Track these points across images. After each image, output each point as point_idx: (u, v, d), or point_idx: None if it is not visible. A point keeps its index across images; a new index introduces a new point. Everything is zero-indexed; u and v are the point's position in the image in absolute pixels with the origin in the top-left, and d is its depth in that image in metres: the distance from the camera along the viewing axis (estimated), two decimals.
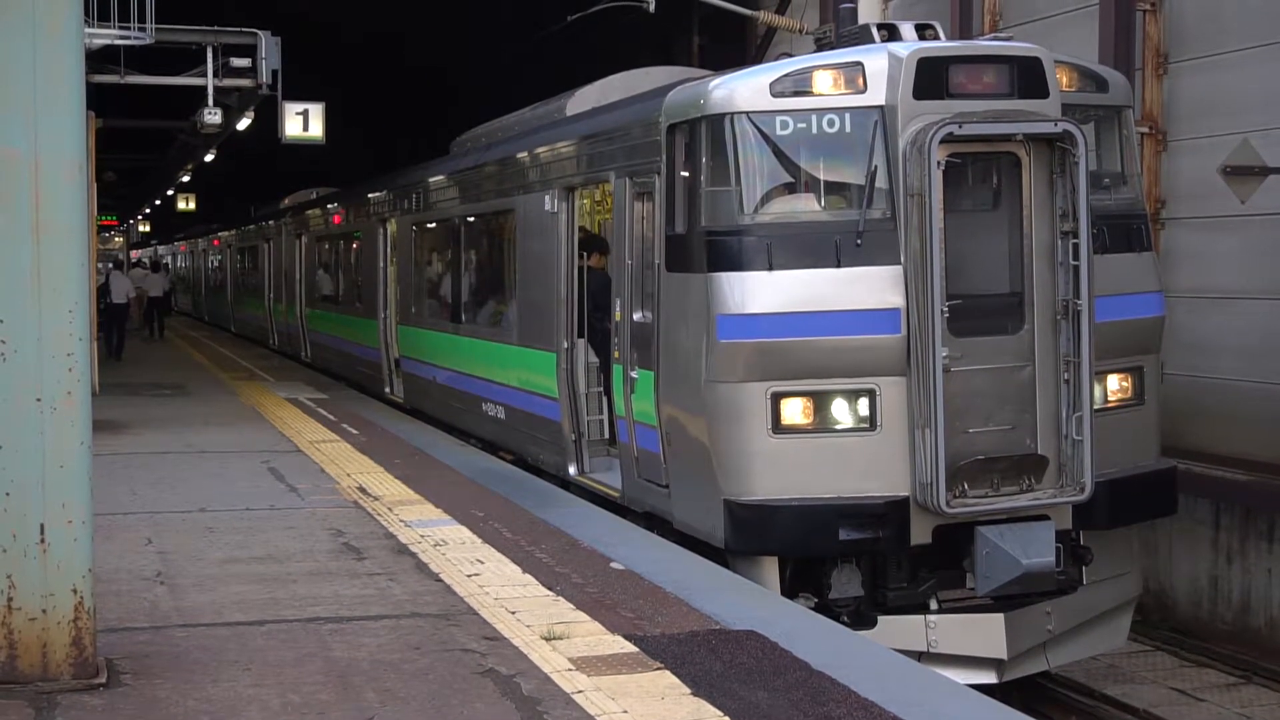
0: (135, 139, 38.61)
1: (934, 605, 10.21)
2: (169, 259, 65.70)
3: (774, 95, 10.11)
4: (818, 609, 9.66)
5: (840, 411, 9.97)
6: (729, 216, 10.18)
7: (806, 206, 10.32)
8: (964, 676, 9.36)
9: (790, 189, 10.44)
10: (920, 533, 9.89)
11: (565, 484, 13.17)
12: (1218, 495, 13.68)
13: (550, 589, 8.78)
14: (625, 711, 6.44)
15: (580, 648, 7.46)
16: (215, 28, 21.33)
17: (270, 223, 33.84)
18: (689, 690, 6.76)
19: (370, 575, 9.25)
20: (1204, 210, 14.71)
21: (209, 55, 21.29)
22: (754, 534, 10.00)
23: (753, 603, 8.69)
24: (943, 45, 10.57)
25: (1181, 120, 15.09)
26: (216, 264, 45.91)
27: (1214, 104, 14.67)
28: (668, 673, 7.02)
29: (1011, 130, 9.97)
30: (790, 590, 10.02)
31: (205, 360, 29.37)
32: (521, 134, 15.81)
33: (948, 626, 10.08)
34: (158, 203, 59.78)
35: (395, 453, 14.86)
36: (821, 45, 11.84)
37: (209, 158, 33.76)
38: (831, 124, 10.09)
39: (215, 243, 45.97)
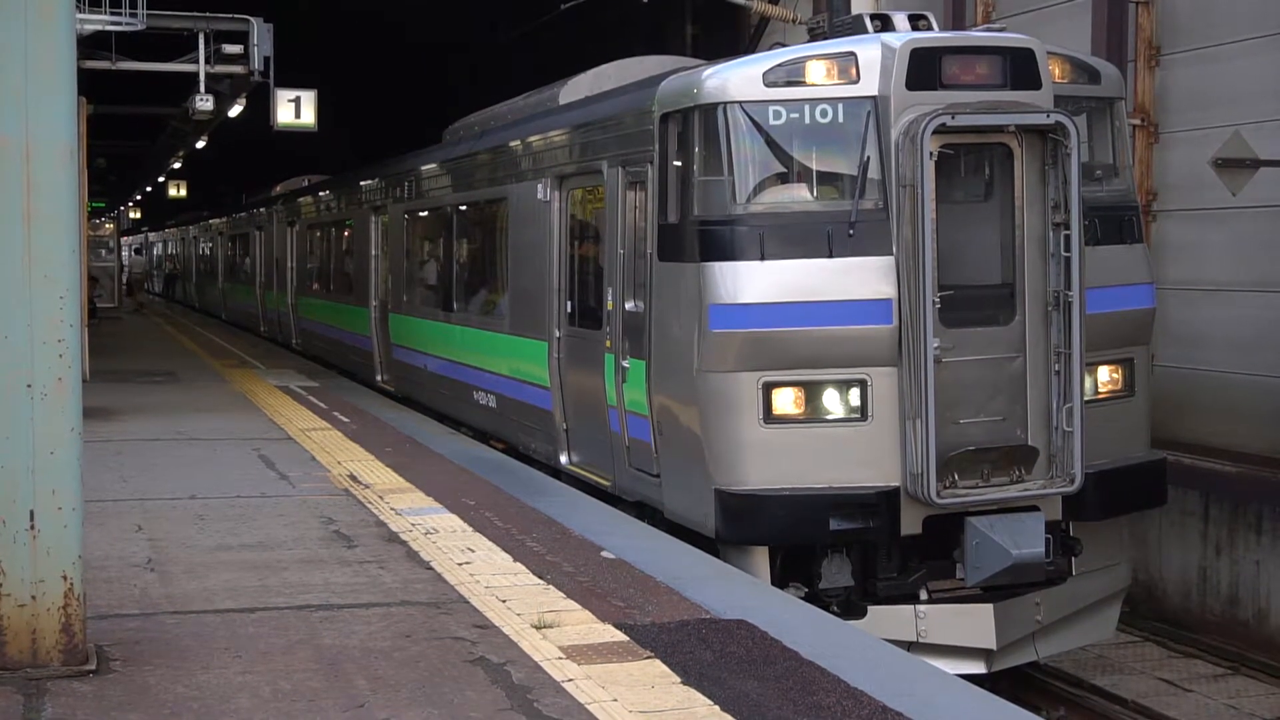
0: (126, 125, 38.52)
1: (924, 595, 10.23)
2: (159, 245, 65.65)
3: (767, 85, 10.11)
4: (808, 599, 9.67)
5: (832, 402, 9.99)
6: (721, 206, 10.18)
7: (799, 196, 10.33)
8: (953, 666, 9.39)
9: (783, 179, 10.44)
10: (910, 523, 9.90)
11: (556, 472, 13.17)
12: (1207, 487, 13.71)
13: (541, 577, 8.78)
14: (615, 700, 6.44)
15: (571, 636, 7.46)
16: (207, 14, 21.27)
17: (261, 210, 33.80)
18: (679, 679, 6.76)
19: (361, 563, 9.25)
20: (1195, 202, 14.73)
21: (201, 42, 21.22)
22: (745, 523, 10.01)
23: (743, 592, 8.70)
24: (936, 36, 10.57)
25: (1173, 112, 15.11)
26: (207, 251, 45.83)
27: (1206, 96, 14.69)
28: (658, 661, 7.03)
29: (1004, 121, 9.98)
30: (781, 580, 10.04)
31: (195, 347, 29.33)
32: (514, 122, 15.79)
33: (937, 616, 10.11)
34: (149, 189, 59.66)
35: (386, 441, 14.85)
36: (815, 35, 11.85)
37: (200, 144, 33.69)
38: (824, 114, 10.09)
39: (206, 230, 45.89)
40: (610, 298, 11.80)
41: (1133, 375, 10.99)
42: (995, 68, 10.13)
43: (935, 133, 9.72)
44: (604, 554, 9.50)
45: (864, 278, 9.93)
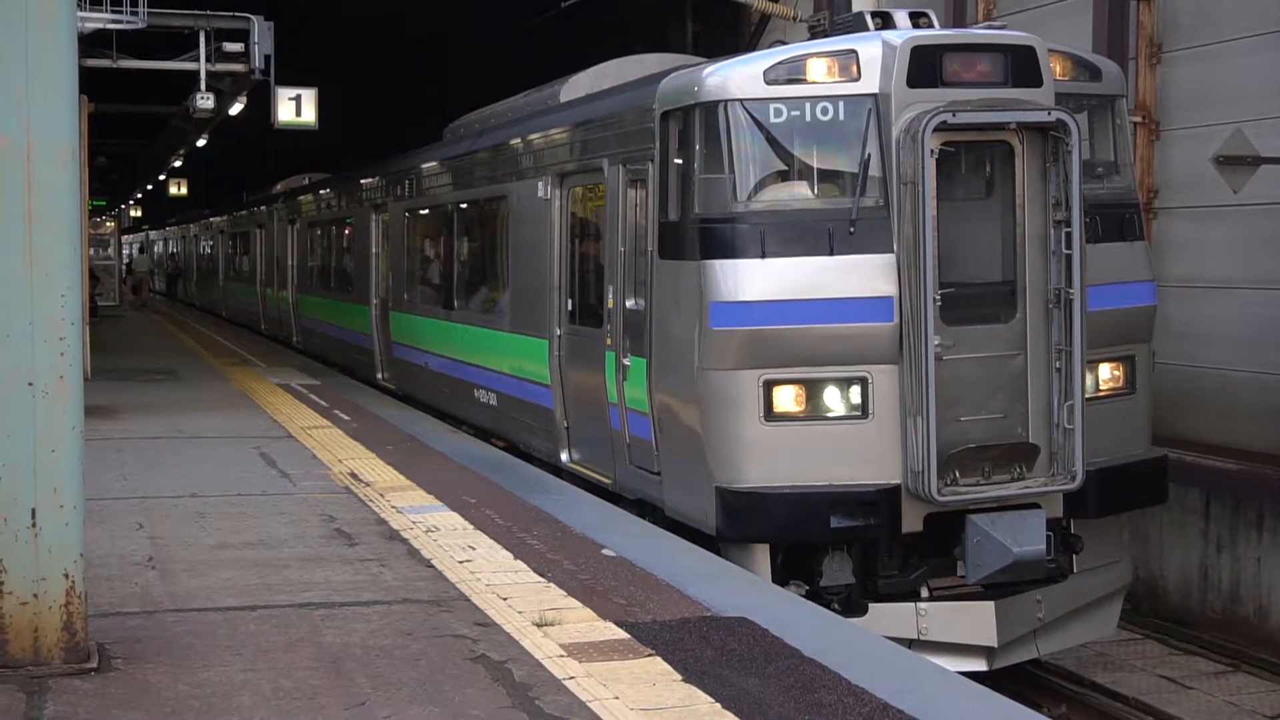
0: (127, 124, 38.54)
1: (925, 593, 10.23)
2: (160, 244, 65.68)
3: (768, 83, 10.11)
4: (809, 596, 9.68)
5: (832, 399, 9.99)
6: (722, 204, 10.18)
7: (800, 194, 10.33)
8: (954, 664, 9.38)
9: (784, 176, 10.44)
10: (911, 520, 9.90)
11: (557, 470, 13.17)
12: (1208, 484, 13.71)
13: (542, 575, 8.78)
14: (616, 697, 6.45)
15: (572, 634, 7.47)
16: (208, 12, 21.29)
17: (262, 208, 33.81)
18: (680, 677, 6.77)
19: (362, 561, 9.26)
20: (1196, 200, 14.73)
21: (201, 40, 21.25)
22: (746, 521, 10.01)
23: (744, 590, 8.70)
24: (937, 33, 10.57)
25: (1174, 110, 15.11)
26: (208, 249, 45.84)
27: (1207, 94, 14.68)
28: (659, 659, 7.03)
29: (1005, 119, 9.97)
30: (782, 578, 10.04)
31: (196, 345, 29.33)
32: (515, 120, 15.79)
33: (938, 614, 10.11)
34: (150, 187, 59.68)
35: (387, 439, 14.86)
36: (815, 33, 11.84)
37: (201, 143, 33.69)
38: (825, 112, 10.09)
39: (207, 228, 45.89)
40: (611, 295, 11.80)
41: (1134, 373, 10.99)
42: (996, 65, 10.13)
43: (936, 130, 9.72)
44: (605, 552, 9.51)
45: (865, 275, 9.92)
